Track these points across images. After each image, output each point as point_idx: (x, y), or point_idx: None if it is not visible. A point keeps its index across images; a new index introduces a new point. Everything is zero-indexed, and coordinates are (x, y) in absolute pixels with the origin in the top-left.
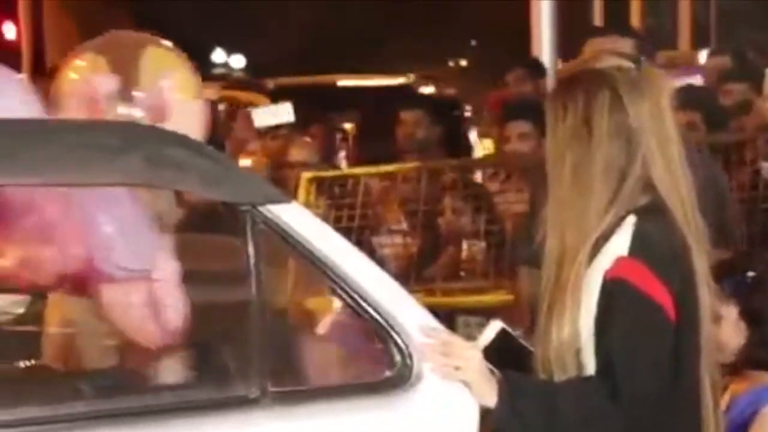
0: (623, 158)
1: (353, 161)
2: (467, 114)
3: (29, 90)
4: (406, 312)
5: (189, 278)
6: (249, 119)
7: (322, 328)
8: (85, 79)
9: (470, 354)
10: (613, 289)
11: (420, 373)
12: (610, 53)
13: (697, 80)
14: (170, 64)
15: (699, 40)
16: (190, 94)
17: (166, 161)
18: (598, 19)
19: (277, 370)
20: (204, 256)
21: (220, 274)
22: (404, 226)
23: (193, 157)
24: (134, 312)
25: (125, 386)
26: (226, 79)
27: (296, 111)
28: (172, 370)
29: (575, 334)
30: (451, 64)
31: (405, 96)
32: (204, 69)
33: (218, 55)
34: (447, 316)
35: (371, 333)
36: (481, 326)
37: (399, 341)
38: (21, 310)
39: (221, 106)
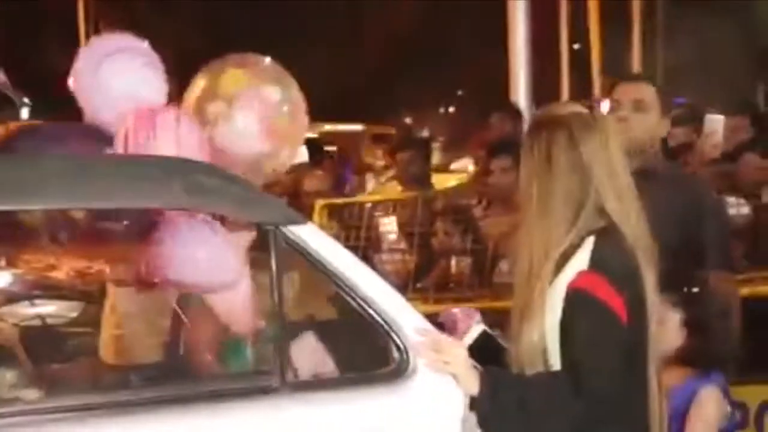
0: (579, 190)
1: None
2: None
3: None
4: (404, 316)
5: None
6: None
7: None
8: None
9: (457, 351)
10: (575, 298)
11: (415, 367)
12: (569, 102)
13: None
14: None
15: None
16: None
17: (204, 188)
18: (565, 71)
19: (294, 364)
20: None
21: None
22: (403, 245)
23: (227, 184)
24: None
25: (173, 377)
26: None
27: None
28: (209, 365)
29: (543, 336)
30: (441, 110)
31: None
32: None
33: None
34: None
35: (375, 333)
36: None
37: (398, 340)
38: (74, 314)
39: None
